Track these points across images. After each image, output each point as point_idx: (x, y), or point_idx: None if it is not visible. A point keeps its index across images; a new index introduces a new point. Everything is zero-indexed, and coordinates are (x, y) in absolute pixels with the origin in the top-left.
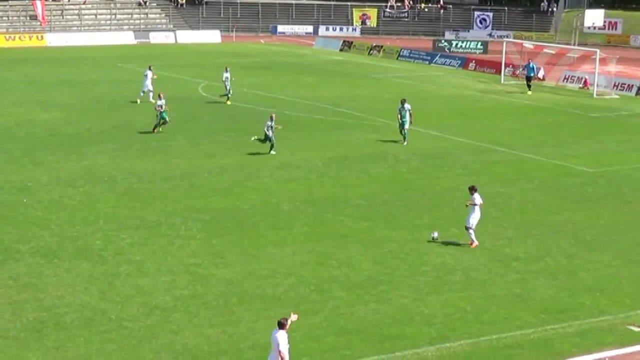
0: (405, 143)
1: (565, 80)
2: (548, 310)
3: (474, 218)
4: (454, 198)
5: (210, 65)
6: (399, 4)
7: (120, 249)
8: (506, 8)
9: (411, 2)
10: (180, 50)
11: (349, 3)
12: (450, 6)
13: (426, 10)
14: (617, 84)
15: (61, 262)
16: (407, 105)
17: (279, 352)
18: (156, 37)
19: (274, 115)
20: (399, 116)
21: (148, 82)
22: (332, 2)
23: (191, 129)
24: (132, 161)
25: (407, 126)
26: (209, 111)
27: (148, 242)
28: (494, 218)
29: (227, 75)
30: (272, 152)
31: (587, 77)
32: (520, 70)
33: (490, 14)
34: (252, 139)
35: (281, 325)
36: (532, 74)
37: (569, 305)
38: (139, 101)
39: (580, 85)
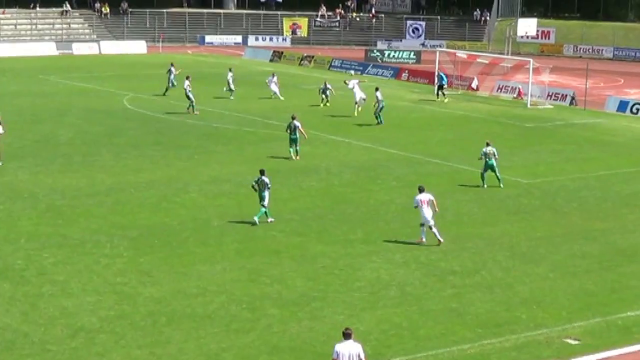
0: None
1: (499, 90)
2: (485, 325)
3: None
4: (388, 211)
5: (136, 77)
6: (330, 13)
7: (43, 269)
8: (439, 17)
9: (342, 12)
10: (105, 62)
11: (279, 12)
12: (383, 15)
13: (358, 19)
14: (550, 93)
15: None
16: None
17: None
18: (79, 48)
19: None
20: (376, 101)
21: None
22: (262, 12)
23: (116, 143)
24: (54, 177)
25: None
26: (134, 124)
27: (72, 261)
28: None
29: (231, 74)
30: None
31: (520, 86)
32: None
33: (423, 24)
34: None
35: (348, 336)
36: (443, 83)
37: (505, 319)
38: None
39: (514, 95)
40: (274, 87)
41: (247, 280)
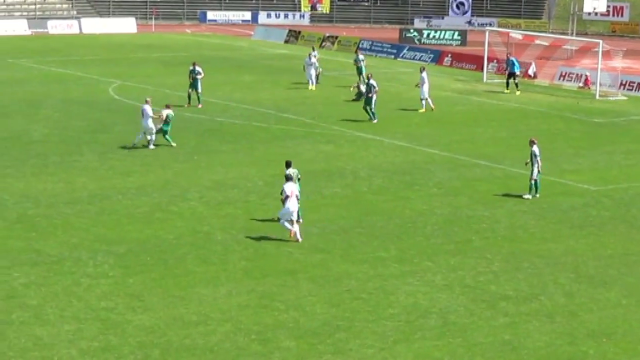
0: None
1: (562, 78)
2: None
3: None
4: (427, 224)
5: (124, 62)
6: None
7: (13, 291)
8: None
9: None
10: (87, 43)
11: None
12: None
13: None
14: (624, 82)
15: None
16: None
17: None
18: (56, 27)
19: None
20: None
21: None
22: None
23: (101, 140)
24: (27, 181)
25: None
26: (122, 118)
27: (48, 282)
28: (476, 248)
29: (315, 54)
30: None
31: (587, 74)
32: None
33: None
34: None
35: None
36: (515, 70)
37: (569, 354)
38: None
39: (580, 84)
40: (312, 71)
41: (257, 306)
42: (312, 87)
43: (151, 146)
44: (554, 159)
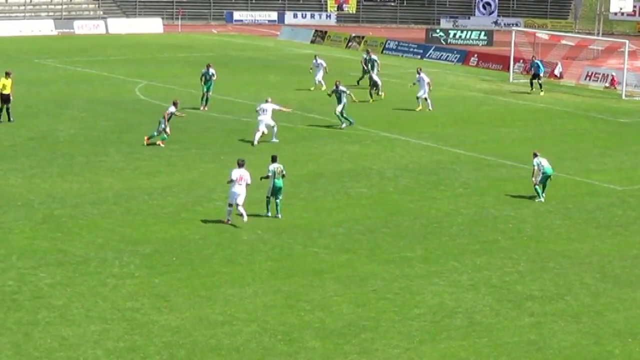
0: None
1: (588, 78)
2: None
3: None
4: (453, 224)
5: (151, 62)
6: None
7: (39, 291)
8: None
9: None
10: (113, 43)
11: None
12: None
13: None
14: None
15: None
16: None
17: None
18: (82, 27)
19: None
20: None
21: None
22: None
23: (127, 140)
24: (53, 181)
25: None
26: (148, 119)
27: (73, 283)
28: (502, 248)
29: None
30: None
31: (614, 74)
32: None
33: None
34: None
35: None
36: (539, 73)
37: (595, 354)
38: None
39: (606, 84)
40: (321, 73)
41: (283, 306)
42: (324, 88)
43: (274, 139)
44: (580, 159)
